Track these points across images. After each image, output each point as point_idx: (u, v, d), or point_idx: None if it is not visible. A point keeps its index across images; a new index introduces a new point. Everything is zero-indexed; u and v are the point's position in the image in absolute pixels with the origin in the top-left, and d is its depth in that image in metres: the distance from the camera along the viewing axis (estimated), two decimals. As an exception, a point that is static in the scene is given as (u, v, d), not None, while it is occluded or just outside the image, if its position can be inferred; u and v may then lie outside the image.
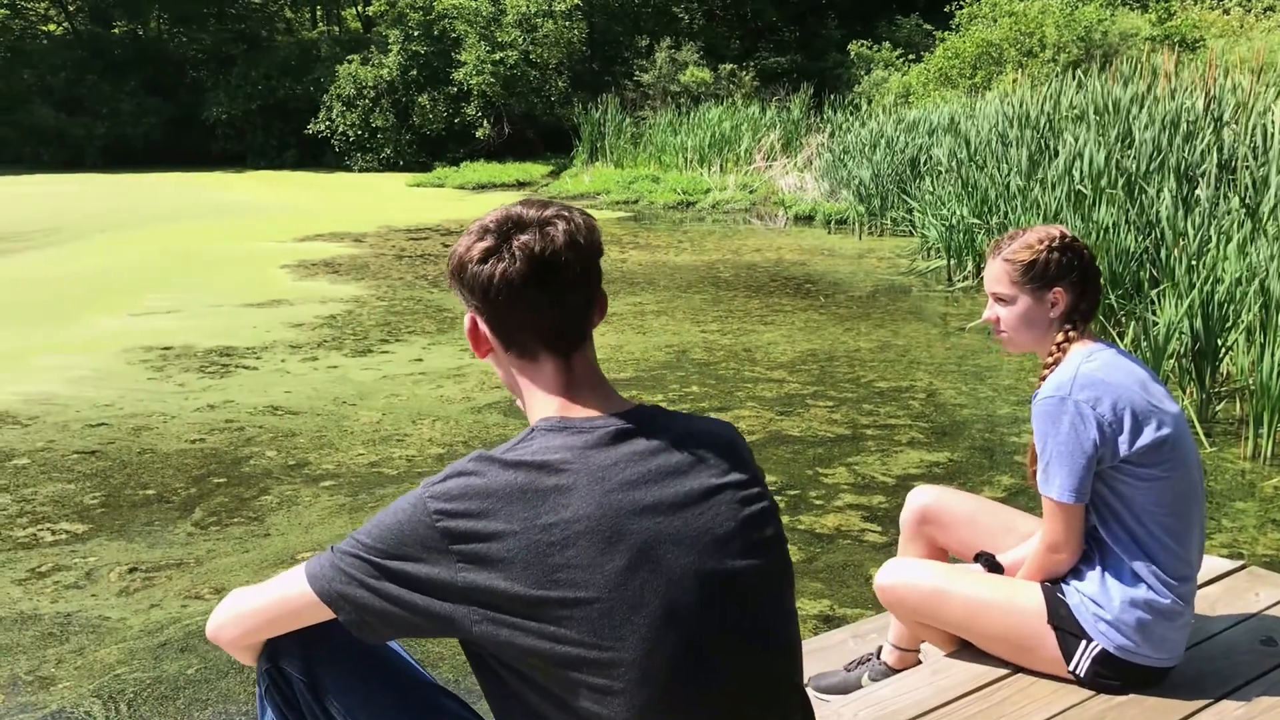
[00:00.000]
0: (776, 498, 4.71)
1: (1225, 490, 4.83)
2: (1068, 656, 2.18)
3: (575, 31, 25.64)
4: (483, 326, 1.46)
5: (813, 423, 5.85)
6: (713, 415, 5.84)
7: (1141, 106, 10.25)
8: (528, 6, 25.04)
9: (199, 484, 4.99)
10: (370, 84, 25.92)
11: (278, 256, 12.20)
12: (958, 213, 10.59)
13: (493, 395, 6.34)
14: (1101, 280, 7.30)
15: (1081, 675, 2.18)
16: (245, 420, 5.98)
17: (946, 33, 21.87)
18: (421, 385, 6.68)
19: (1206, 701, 2.15)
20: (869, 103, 21.58)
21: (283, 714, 1.55)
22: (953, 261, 10.49)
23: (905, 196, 13.58)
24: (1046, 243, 2.23)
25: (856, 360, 7.27)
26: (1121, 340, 6.89)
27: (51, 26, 30.55)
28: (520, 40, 25.06)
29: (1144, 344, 6.01)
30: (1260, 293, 5.78)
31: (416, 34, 26.04)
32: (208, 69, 28.77)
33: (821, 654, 2.80)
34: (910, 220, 13.04)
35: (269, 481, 5.01)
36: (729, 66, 25.80)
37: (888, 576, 2.35)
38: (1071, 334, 2.23)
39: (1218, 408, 5.91)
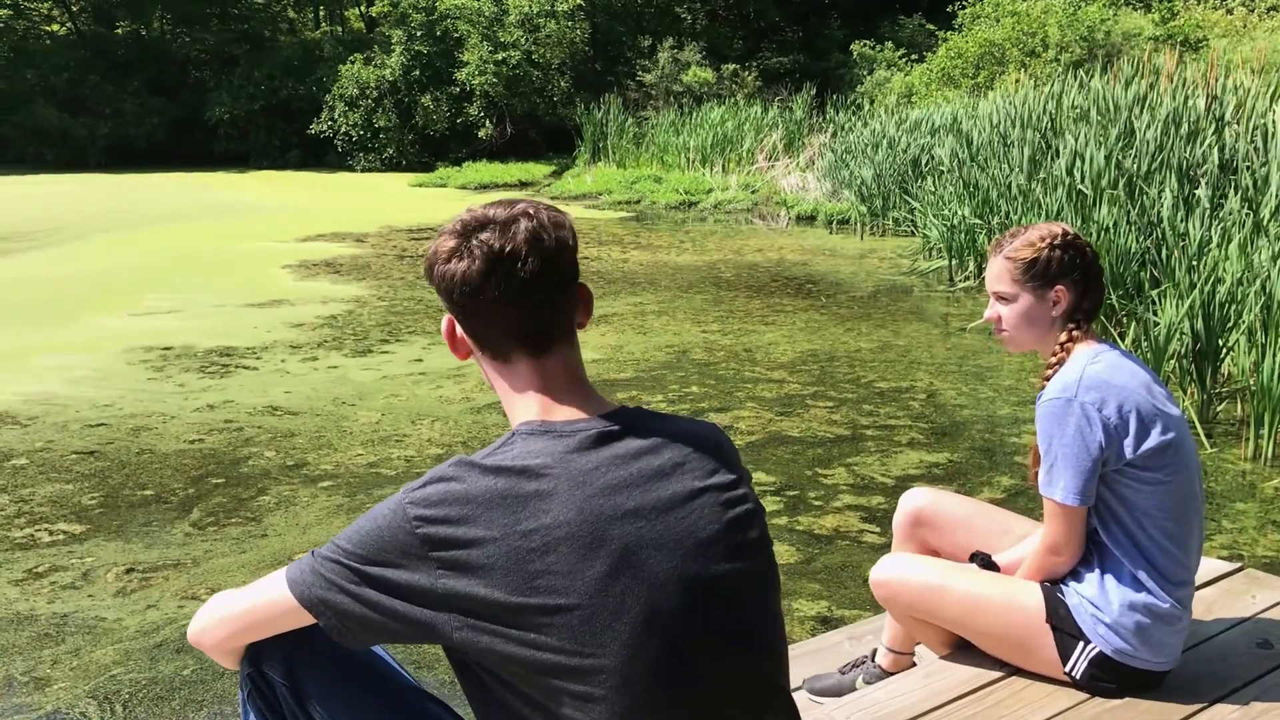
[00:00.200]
0: (775, 498, 4.70)
1: (1226, 491, 4.82)
2: (1065, 657, 2.17)
3: (578, 31, 25.64)
4: (459, 328, 1.45)
5: (812, 423, 5.84)
6: (712, 415, 5.87)
7: (1143, 106, 10.23)
8: (530, 7, 25.04)
9: (197, 484, 4.99)
10: (373, 84, 25.94)
11: (279, 256, 12.20)
12: (959, 213, 10.57)
13: (492, 396, 6.33)
14: (1103, 280, 7.23)
15: (1078, 677, 2.17)
16: (244, 420, 5.97)
17: (949, 33, 21.85)
18: (421, 385, 6.67)
19: (1202, 705, 2.14)
20: (871, 103, 21.56)
21: (265, 719, 1.54)
22: (954, 262, 10.47)
23: (907, 197, 13.57)
24: (1048, 240, 2.21)
25: (857, 360, 7.25)
26: (1122, 341, 6.88)
27: (54, 27, 30.57)
28: (523, 40, 25.07)
29: (1145, 344, 5.99)
30: (1261, 293, 5.77)
31: (419, 34, 26.05)
32: (210, 69, 28.80)
33: (817, 656, 2.78)
34: (912, 220, 13.03)
35: (267, 482, 5.01)
36: (731, 66, 25.79)
37: (884, 571, 2.33)
38: (1075, 333, 2.21)
39: (1218, 408, 5.89)
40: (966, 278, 10.18)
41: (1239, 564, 2.80)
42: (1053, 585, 2.21)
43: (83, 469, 5.19)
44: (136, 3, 29.48)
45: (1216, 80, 9.96)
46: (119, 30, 30.51)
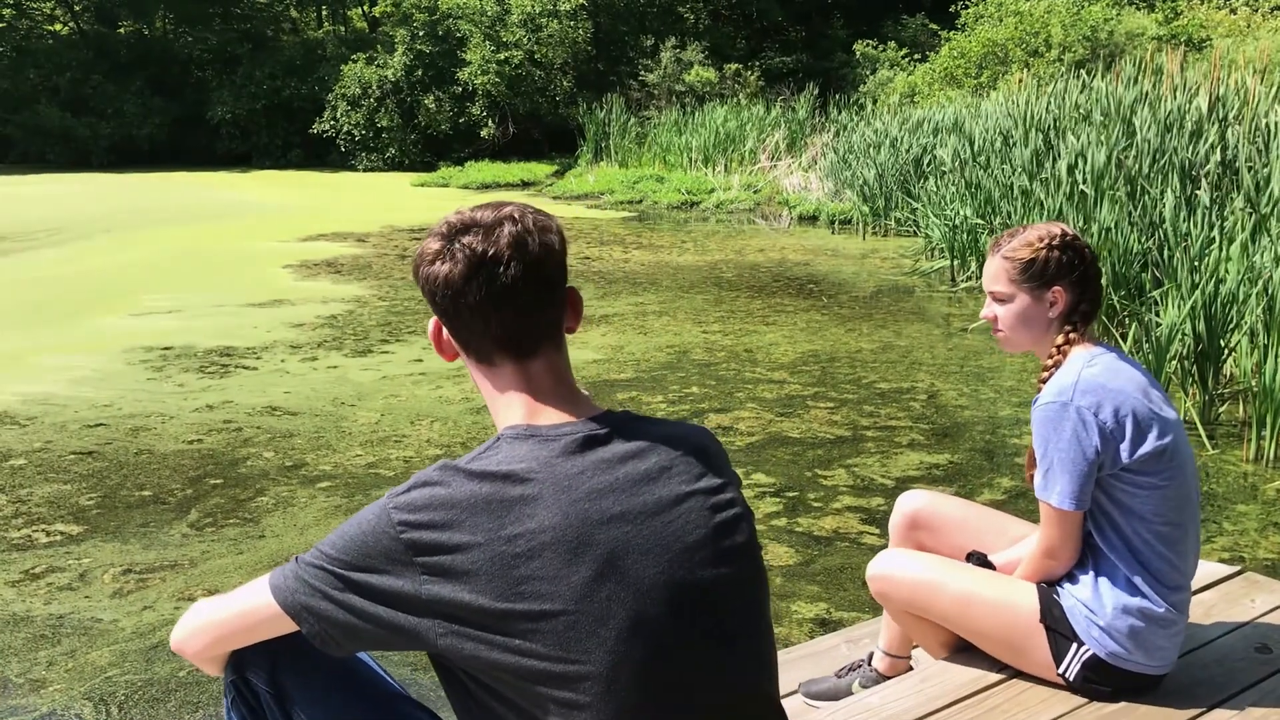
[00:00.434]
0: (775, 499, 4.69)
1: (1227, 493, 4.80)
2: (1058, 659, 2.15)
3: (580, 31, 25.62)
4: (445, 330, 1.44)
5: (813, 424, 5.82)
6: (712, 416, 5.86)
7: (1146, 106, 10.20)
8: (532, 6, 25.03)
9: (195, 485, 4.98)
10: (375, 84, 25.95)
11: (280, 256, 12.20)
12: (961, 213, 10.55)
13: (492, 396, 6.31)
14: (1104, 281, 7.17)
15: (1071, 679, 2.15)
16: (243, 421, 5.97)
17: (952, 32, 21.82)
18: (421, 386, 6.66)
19: (1199, 710, 2.12)
20: (874, 103, 21.53)
21: None
22: (956, 262, 10.45)
23: (909, 197, 13.55)
24: (1047, 241, 2.19)
25: (858, 361, 7.24)
26: (1124, 341, 6.86)
27: (57, 26, 30.61)
28: (525, 40, 25.06)
29: (1146, 345, 5.97)
30: (1263, 294, 5.74)
31: (421, 34, 26.05)
32: (213, 69, 28.81)
33: (814, 659, 2.77)
34: (914, 220, 13.01)
35: (265, 483, 5.00)
36: (734, 66, 25.76)
37: (880, 566, 2.32)
38: (1072, 335, 2.19)
39: (1220, 410, 5.87)
40: (968, 278, 10.16)
41: (1238, 567, 2.79)
42: (1048, 586, 2.20)
43: (81, 469, 5.19)
44: (139, 2, 29.51)
45: (1219, 80, 9.93)
46: (121, 30, 30.54)
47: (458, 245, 1.37)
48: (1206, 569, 2.71)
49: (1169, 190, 7.90)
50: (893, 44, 25.16)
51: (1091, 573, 2.15)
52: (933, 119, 15.22)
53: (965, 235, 10.32)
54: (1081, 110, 11.30)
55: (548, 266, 1.39)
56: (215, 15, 29.66)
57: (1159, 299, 6.70)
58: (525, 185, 21.48)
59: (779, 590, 3.86)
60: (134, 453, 5.43)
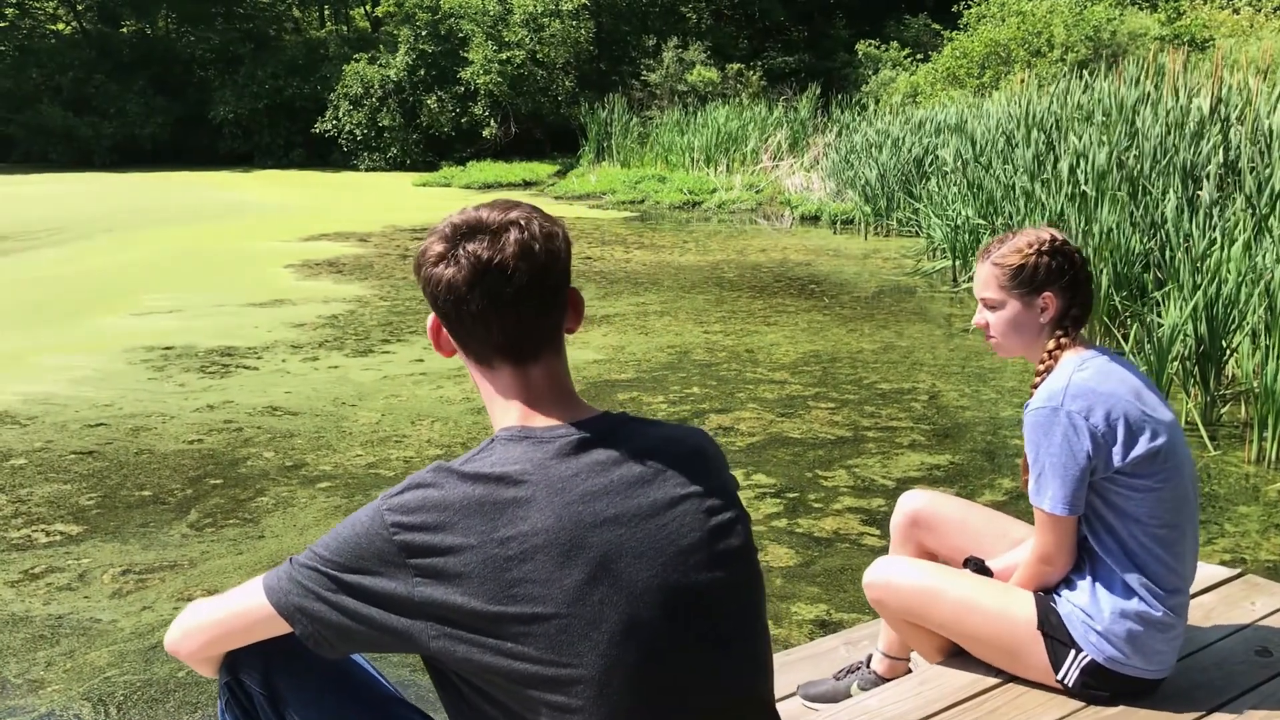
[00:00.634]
0: (775, 500, 4.69)
1: (1228, 494, 4.79)
2: (1056, 666, 2.15)
3: (582, 31, 25.62)
4: (444, 329, 1.44)
5: (814, 424, 5.82)
6: (713, 416, 5.86)
7: (1148, 106, 10.19)
8: (535, 6, 25.02)
9: (195, 485, 4.98)
10: (377, 83, 25.95)
11: (282, 256, 12.20)
12: (963, 213, 10.54)
13: (492, 396, 6.31)
14: (1106, 282, 7.16)
15: (1070, 685, 2.15)
16: (244, 421, 5.96)
17: (954, 32, 21.80)
18: (422, 386, 6.66)
19: (1199, 714, 2.11)
20: (876, 103, 21.51)
21: None
22: (958, 262, 10.44)
23: (910, 197, 13.54)
24: (1036, 246, 2.19)
25: (859, 361, 7.23)
26: (1125, 342, 6.85)
27: (60, 26, 30.63)
28: (527, 40, 25.06)
29: (1148, 346, 5.96)
30: (1265, 295, 5.73)
31: (424, 33, 26.05)
32: (215, 68, 28.81)
33: (813, 661, 2.77)
34: (916, 221, 13.00)
35: (265, 483, 4.99)
36: (736, 66, 25.74)
37: (877, 574, 2.31)
38: (1063, 340, 2.18)
39: (1222, 411, 5.86)
40: (970, 278, 10.14)
41: (1238, 570, 2.78)
42: (1045, 593, 2.19)
43: (81, 469, 5.19)
44: (141, 2, 29.53)
45: (1221, 80, 9.91)
46: (124, 29, 30.55)
47: (462, 251, 1.35)
48: (1206, 571, 2.70)
49: (1171, 191, 7.89)
50: (895, 44, 25.14)
51: (1088, 578, 2.14)
52: (935, 119, 15.21)
53: (967, 236, 10.31)
54: (1083, 110, 11.28)
55: (552, 274, 1.38)
56: (218, 15, 29.67)
57: (1160, 300, 6.69)
58: (527, 185, 21.47)
59: (779, 591, 3.85)
60: (134, 452, 5.43)
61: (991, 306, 2.24)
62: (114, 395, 6.48)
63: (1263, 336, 5.61)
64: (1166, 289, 6.54)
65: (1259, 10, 20.44)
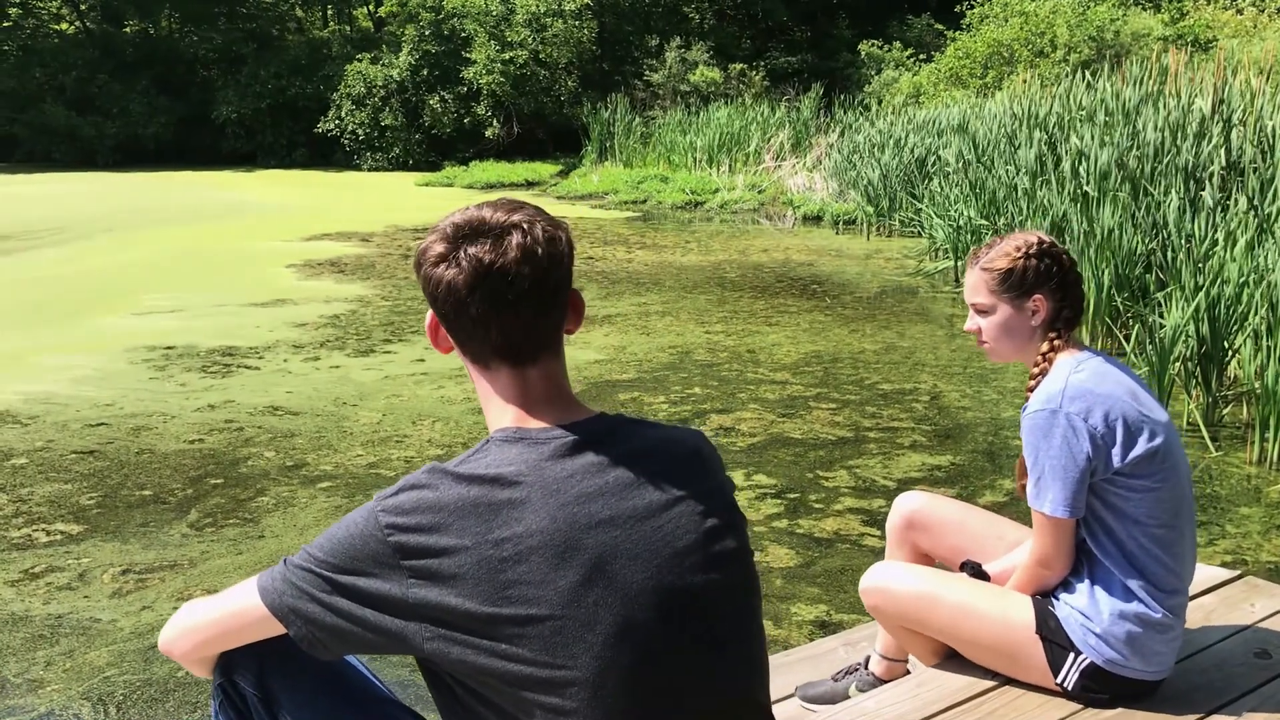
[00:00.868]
0: (776, 500, 4.68)
1: (1230, 496, 4.78)
2: (1055, 669, 2.14)
3: (585, 31, 25.63)
4: (442, 327, 1.43)
5: (815, 425, 5.81)
6: (714, 417, 5.85)
7: (1150, 107, 10.17)
8: (537, 6, 25.03)
9: (196, 485, 4.98)
10: (380, 83, 25.97)
11: (284, 256, 12.21)
12: (965, 214, 10.53)
13: (493, 396, 6.30)
14: (1107, 282, 7.12)
15: (1069, 688, 2.14)
16: (245, 420, 5.96)
17: (957, 33, 21.79)
18: (423, 386, 6.66)
19: (1198, 715, 2.11)
20: (879, 103, 21.51)
21: None
22: (960, 263, 10.43)
23: (913, 198, 13.53)
24: (1024, 250, 2.19)
25: (861, 362, 7.22)
26: (1127, 343, 6.84)
27: (63, 25, 30.68)
28: (530, 40, 25.06)
29: (1149, 347, 5.95)
30: (1267, 296, 5.72)
31: (427, 33, 26.06)
32: (218, 68, 28.86)
33: (812, 661, 2.76)
34: (918, 221, 12.99)
35: (266, 482, 4.99)
36: (739, 66, 25.74)
37: (873, 579, 2.31)
38: (1057, 342, 2.18)
39: (1224, 412, 5.85)
40: (972, 279, 10.12)
41: (1238, 571, 2.77)
42: (1043, 597, 2.19)
43: (82, 469, 5.19)
44: (145, 1, 29.56)
45: (1224, 81, 9.90)
46: (127, 29, 30.59)
47: (464, 253, 1.34)
48: (1206, 573, 2.70)
49: (1172, 191, 7.88)
50: (898, 44, 25.13)
51: (1087, 580, 2.14)
52: (937, 119, 15.21)
53: (969, 236, 10.30)
54: (1085, 111, 11.27)
55: (553, 277, 1.37)
56: (221, 14, 29.71)
57: (1162, 300, 6.67)
58: (529, 185, 21.47)
59: (779, 592, 3.85)
60: (135, 452, 5.43)
61: (982, 311, 2.24)
62: (115, 395, 6.49)
63: (1264, 337, 5.59)
64: (1168, 290, 6.53)
65: (1262, 10, 20.41)
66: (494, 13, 25.30)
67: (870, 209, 14.57)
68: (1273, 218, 6.77)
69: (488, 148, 25.57)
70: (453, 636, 1.26)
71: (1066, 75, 15.26)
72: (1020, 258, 2.18)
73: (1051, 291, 2.18)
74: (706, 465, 1.43)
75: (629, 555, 1.31)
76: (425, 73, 26.00)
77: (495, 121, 25.57)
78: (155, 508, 4.70)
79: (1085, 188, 8.77)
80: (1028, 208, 9.64)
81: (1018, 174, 10.58)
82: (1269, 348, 5.41)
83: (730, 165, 19.88)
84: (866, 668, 2.55)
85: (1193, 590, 2.37)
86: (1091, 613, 2.11)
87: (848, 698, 2.45)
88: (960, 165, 12.37)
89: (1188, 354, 5.88)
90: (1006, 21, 20.07)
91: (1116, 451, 2.06)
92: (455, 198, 19.10)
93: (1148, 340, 6.40)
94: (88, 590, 3.91)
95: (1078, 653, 2.12)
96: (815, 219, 15.54)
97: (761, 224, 15.63)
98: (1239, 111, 9.14)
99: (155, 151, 27.74)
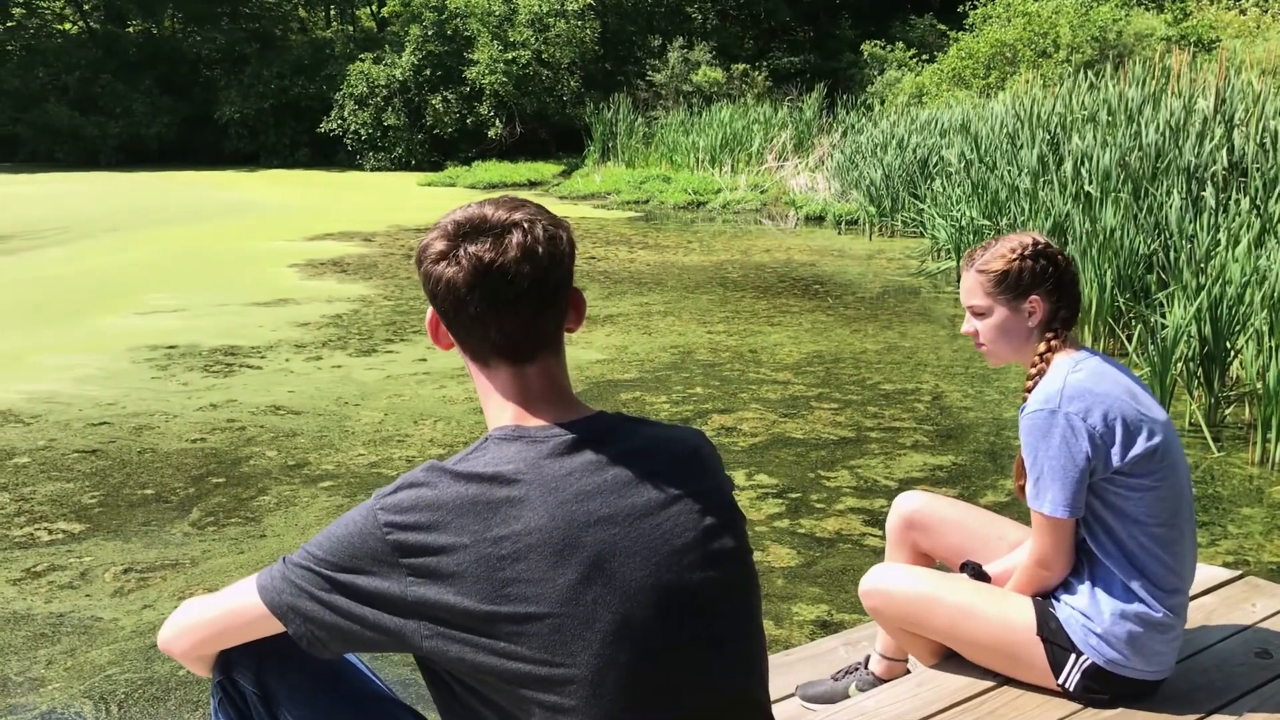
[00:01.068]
0: (777, 500, 4.68)
1: (1232, 496, 4.77)
2: (1057, 670, 2.14)
3: (588, 31, 25.64)
4: (442, 324, 1.43)
5: (816, 425, 5.81)
6: (716, 417, 5.85)
7: (1154, 106, 10.16)
8: (540, 6, 25.04)
9: (198, 484, 4.98)
10: (382, 83, 25.97)
11: (286, 255, 12.22)
12: (967, 214, 10.53)
13: (495, 396, 6.30)
14: (1110, 283, 7.10)
15: (1071, 689, 2.14)
16: (247, 420, 5.97)
17: (960, 33, 21.77)
18: (425, 385, 6.66)
19: (1199, 716, 2.10)
20: (882, 103, 21.50)
21: None
22: (962, 263, 10.41)
23: (915, 198, 13.52)
24: (1019, 251, 2.18)
25: (863, 362, 7.22)
26: (1129, 344, 6.83)
27: (67, 25, 30.70)
28: (533, 40, 25.07)
29: (1151, 348, 5.95)
30: (1269, 296, 5.72)
31: (430, 33, 26.07)
32: (221, 68, 28.88)
33: (812, 661, 2.76)
34: (920, 221, 12.98)
35: (268, 482, 5.00)
36: (742, 66, 25.74)
37: (873, 581, 2.30)
38: (1054, 343, 2.18)
39: (1226, 412, 5.85)
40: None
41: (1239, 571, 2.77)
42: (1044, 598, 2.18)
43: (84, 468, 5.19)
44: (148, 1, 29.58)
45: (1226, 81, 9.89)
46: (130, 29, 30.61)
47: (464, 251, 1.34)
48: (1207, 572, 2.69)
49: (1175, 192, 7.87)
50: (900, 44, 25.12)
51: (1087, 581, 2.13)
52: (940, 120, 15.20)
53: (971, 236, 10.30)
54: (1088, 111, 11.26)
55: (554, 276, 1.36)
56: (224, 14, 29.73)
57: (1164, 301, 6.67)
58: (532, 185, 21.48)
59: (780, 592, 3.85)
60: (137, 451, 5.44)
61: (979, 314, 2.24)
62: (117, 394, 6.49)
63: (1266, 338, 5.59)
64: (1170, 290, 6.52)
65: (1266, 11, 20.39)
66: (497, 13, 25.31)
67: (872, 209, 14.56)
68: (1275, 218, 6.77)
69: (490, 148, 25.58)
70: (451, 634, 1.27)
71: (1069, 75, 15.24)
72: (1015, 259, 2.18)
73: (1048, 292, 2.18)
74: (705, 464, 1.43)
75: (628, 553, 1.31)
76: (428, 72, 26.00)
77: (498, 121, 25.58)
78: (157, 507, 4.71)
79: (1087, 188, 8.76)
80: (1030, 208, 9.64)
81: (1020, 174, 10.57)
82: (1271, 348, 5.41)
83: (733, 165, 19.88)
84: (866, 667, 2.55)
85: (1194, 590, 2.36)
86: (1092, 613, 2.11)
87: (847, 697, 2.45)
88: (962, 165, 12.36)
89: (1190, 354, 5.88)
90: (1009, 22, 20.05)
91: (1115, 451, 2.05)
92: (458, 198, 19.10)
93: (1150, 341, 6.39)
94: (89, 589, 3.92)
95: (1079, 653, 2.12)
96: (817, 219, 15.54)
97: (764, 224, 15.63)
98: (1241, 112, 9.13)
99: (158, 151, 27.77)
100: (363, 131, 26.12)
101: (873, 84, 23.75)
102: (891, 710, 2.15)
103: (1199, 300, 5.75)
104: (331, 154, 26.76)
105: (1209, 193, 7.72)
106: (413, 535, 1.28)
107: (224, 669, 1.50)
